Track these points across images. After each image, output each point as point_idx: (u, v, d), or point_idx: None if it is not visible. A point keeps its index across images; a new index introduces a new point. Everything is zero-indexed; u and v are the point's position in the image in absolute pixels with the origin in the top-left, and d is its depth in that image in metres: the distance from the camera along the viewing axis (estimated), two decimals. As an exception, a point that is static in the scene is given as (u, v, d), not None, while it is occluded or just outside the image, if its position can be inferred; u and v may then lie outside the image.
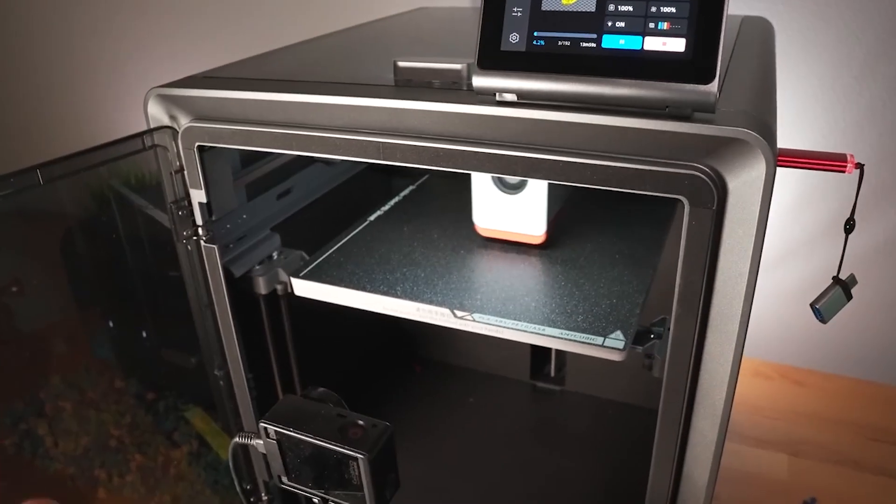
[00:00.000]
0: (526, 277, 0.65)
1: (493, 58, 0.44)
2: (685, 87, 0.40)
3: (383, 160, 0.50)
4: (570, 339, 0.56)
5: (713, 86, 0.40)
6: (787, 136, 0.68)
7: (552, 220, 0.69)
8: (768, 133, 0.41)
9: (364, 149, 0.50)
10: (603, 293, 0.61)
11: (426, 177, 0.87)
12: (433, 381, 1.07)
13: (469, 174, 0.85)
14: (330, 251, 0.70)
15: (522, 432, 0.97)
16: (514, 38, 0.44)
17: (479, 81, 0.45)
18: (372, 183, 0.91)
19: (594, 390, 1.01)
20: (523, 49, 0.44)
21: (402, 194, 0.83)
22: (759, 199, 0.41)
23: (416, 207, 0.79)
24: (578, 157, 0.44)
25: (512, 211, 0.67)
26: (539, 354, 1.04)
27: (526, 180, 0.65)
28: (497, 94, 0.46)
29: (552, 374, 1.05)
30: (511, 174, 0.46)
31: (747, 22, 0.75)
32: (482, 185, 0.68)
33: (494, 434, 0.96)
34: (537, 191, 0.65)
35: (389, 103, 0.49)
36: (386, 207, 0.79)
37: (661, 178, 0.42)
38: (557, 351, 1.03)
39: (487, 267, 0.67)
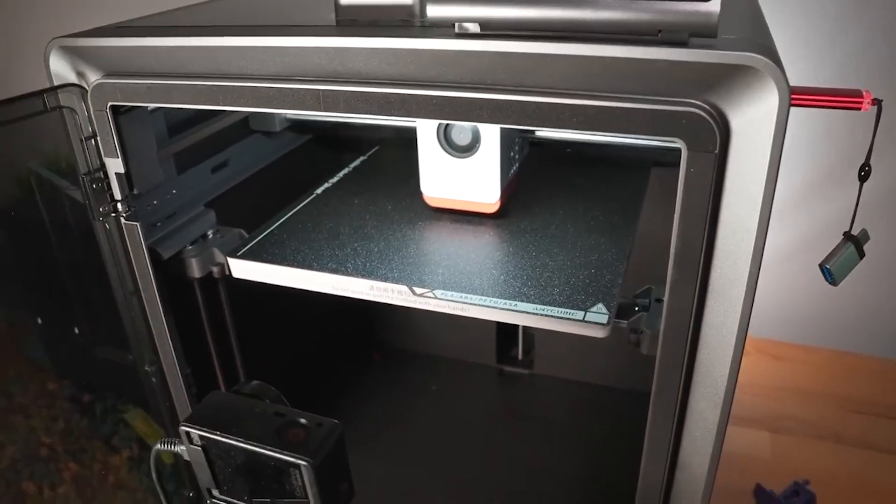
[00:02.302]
0: (492, 249, 0.58)
1: (450, -20, 0.37)
2: (681, 7, 0.34)
3: (324, 111, 0.42)
4: (546, 315, 0.49)
5: (715, 3, 0.33)
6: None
7: (507, 186, 0.62)
8: (778, 60, 0.35)
9: (301, 99, 0.43)
10: (579, 263, 0.55)
11: (377, 148, 0.80)
12: (393, 370, 1.00)
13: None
14: (272, 227, 0.62)
15: (492, 421, 0.90)
16: (474, -47, 0.37)
17: (435, 10, 0.38)
18: (319, 156, 0.83)
19: (565, 373, 0.95)
20: (486, -33, 0.37)
21: (353, 165, 0.75)
22: (771, 140, 0.35)
23: (367, 180, 0.72)
24: (554, 96, 0.37)
25: (462, 176, 0.61)
26: (505, 336, 0.97)
27: (478, 140, 0.58)
28: (456, 24, 0.38)
29: (520, 357, 0.98)
30: (474, 120, 0.39)
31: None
32: (428, 148, 0.61)
33: (462, 424, 0.89)
34: (490, 151, 0.58)
35: (329, 41, 0.41)
36: (334, 180, 0.72)
37: (654, 117, 0.36)
38: (525, 332, 0.97)
39: (449, 240, 0.60)
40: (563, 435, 0.87)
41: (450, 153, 0.60)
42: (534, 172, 0.69)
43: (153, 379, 0.64)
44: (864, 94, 0.38)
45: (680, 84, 0.35)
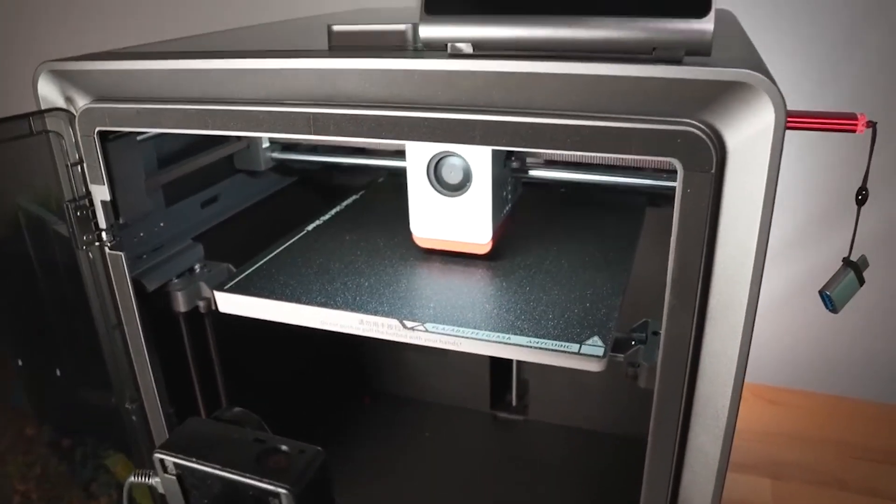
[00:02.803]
0: (484, 284, 0.57)
1: (443, 1, 0.37)
2: (675, 25, 0.34)
3: (314, 134, 0.41)
4: (540, 348, 0.48)
5: (709, 20, 0.33)
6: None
7: (500, 227, 0.60)
8: (772, 77, 0.34)
9: (292, 122, 0.42)
10: (574, 297, 0.54)
11: (366, 189, 0.79)
12: (384, 415, 0.97)
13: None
14: (261, 262, 0.61)
15: (486, 468, 0.88)
16: (467, -27, 0.37)
17: (427, 31, 0.38)
18: (308, 195, 0.83)
19: (560, 419, 0.93)
20: (479, -13, 0.36)
21: (344, 204, 0.74)
22: (768, 157, 0.34)
23: (358, 217, 0.71)
24: (549, 116, 0.37)
25: (452, 216, 0.59)
26: (499, 382, 0.95)
27: (469, 178, 0.57)
28: (449, 45, 0.38)
29: (514, 402, 0.96)
30: (468, 143, 0.39)
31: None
32: (418, 186, 0.59)
33: (456, 471, 0.87)
34: (481, 190, 0.57)
35: (320, 63, 0.41)
36: (326, 217, 0.71)
37: (649, 136, 0.35)
38: (519, 377, 0.96)
39: (440, 275, 0.59)
40: (557, 481, 0.84)
41: (440, 192, 0.58)
42: (527, 212, 0.68)
43: (133, 417, 0.62)
44: (859, 116, 0.38)
45: (675, 103, 0.35)
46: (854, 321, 0.96)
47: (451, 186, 0.58)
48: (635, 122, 0.35)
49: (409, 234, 0.63)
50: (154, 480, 0.42)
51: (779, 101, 0.33)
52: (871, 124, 0.38)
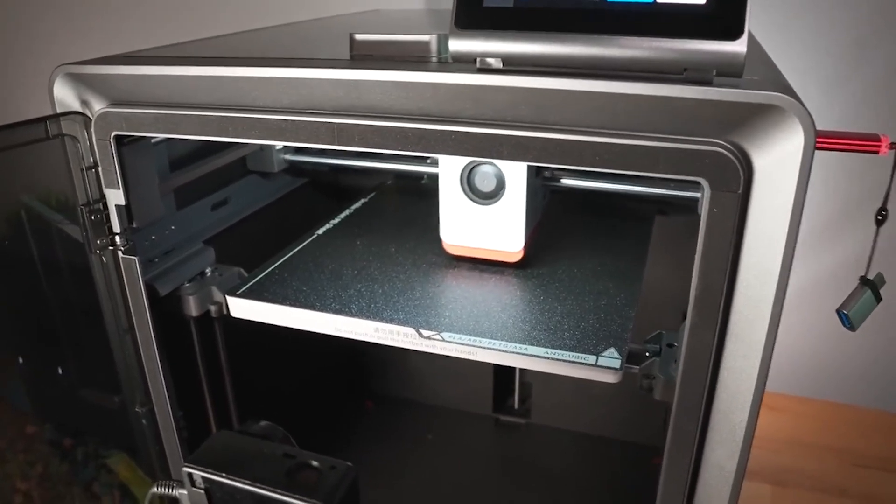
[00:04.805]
0: (499, 292, 0.57)
1: (473, 15, 0.37)
2: (707, 45, 0.34)
3: (338, 145, 0.41)
4: (556, 360, 0.48)
5: (741, 43, 0.33)
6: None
7: (531, 235, 0.61)
8: (801, 101, 0.34)
9: (315, 132, 0.42)
10: (588, 308, 0.54)
11: (379, 190, 0.79)
12: (387, 418, 0.97)
13: (428, 185, 0.78)
14: (272, 267, 0.61)
15: (489, 472, 0.88)
16: (498, -10, 0.37)
17: (457, 45, 0.38)
18: (318, 198, 0.83)
19: (562, 423, 0.93)
20: (510, 4, 0.36)
21: (354, 207, 0.74)
22: (796, 181, 0.34)
23: (369, 221, 0.71)
24: (577, 133, 0.37)
25: (485, 224, 0.59)
26: (501, 385, 0.96)
27: (502, 187, 0.57)
28: (478, 59, 0.38)
29: (516, 406, 0.97)
30: (495, 157, 0.39)
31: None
32: (450, 193, 0.59)
33: (458, 475, 0.87)
34: (515, 199, 0.57)
35: (346, 74, 0.41)
36: (336, 221, 0.71)
37: (678, 156, 0.35)
38: (521, 381, 0.96)
39: (454, 282, 0.59)
40: (559, 486, 0.85)
41: (473, 200, 0.58)
42: (552, 216, 0.68)
43: (143, 421, 0.61)
44: (882, 138, 0.38)
45: (704, 123, 0.35)
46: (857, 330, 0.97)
47: (483, 195, 0.58)
48: (664, 141, 0.35)
49: (421, 239, 0.63)
50: (179, 492, 0.42)
51: (808, 124, 0.33)
52: (894, 146, 0.38)
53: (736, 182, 0.35)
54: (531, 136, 0.37)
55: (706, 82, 0.35)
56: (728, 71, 0.34)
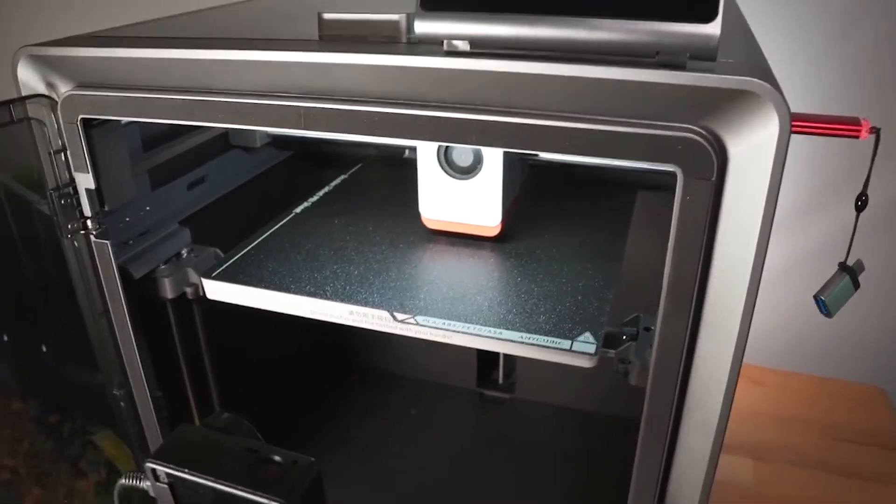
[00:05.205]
0: (475, 273, 0.56)
1: (439, -4, 0.36)
2: (680, 28, 0.33)
3: (304, 129, 0.40)
4: (531, 344, 0.47)
5: (715, 25, 0.32)
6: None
7: (508, 209, 0.60)
8: (778, 85, 0.33)
9: (281, 116, 0.41)
10: (566, 289, 0.53)
11: (359, 166, 0.78)
12: (371, 392, 0.97)
13: (409, 160, 0.77)
14: (249, 247, 0.60)
15: (472, 446, 0.88)
16: (465, -31, 0.35)
17: (423, 26, 0.37)
18: (300, 172, 0.81)
19: (547, 397, 0.93)
20: (478, -16, 0.35)
21: (333, 184, 0.73)
22: (770, 168, 0.34)
23: (348, 198, 0.70)
24: (546, 118, 0.36)
25: (462, 199, 0.59)
26: (486, 360, 0.95)
27: (480, 161, 0.56)
28: (445, 41, 0.37)
29: (500, 380, 0.96)
30: (462, 143, 0.38)
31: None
32: (428, 169, 0.59)
33: (442, 449, 0.87)
34: (492, 174, 0.57)
35: (311, 56, 0.39)
36: (314, 199, 0.70)
37: (650, 142, 0.34)
38: (506, 356, 0.96)
39: (431, 263, 0.58)
40: (543, 460, 0.85)
41: (450, 174, 0.58)
42: (529, 193, 0.68)
43: (121, 403, 0.61)
44: (863, 122, 0.37)
45: (677, 108, 0.34)
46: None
47: (461, 169, 0.58)
48: (635, 126, 0.35)
49: (399, 217, 0.63)
50: (145, 484, 0.42)
51: (784, 111, 0.32)
52: (875, 130, 0.37)
53: (709, 169, 0.34)
54: (500, 122, 0.36)
55: (679, 66, 0.34)
56: (701, 55, 0.33)
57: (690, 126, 0.34)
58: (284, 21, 0.58)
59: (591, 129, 0.35)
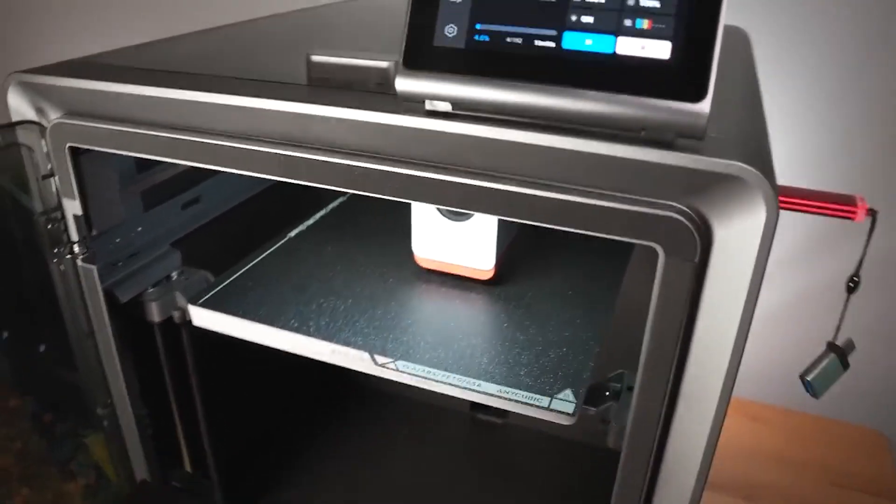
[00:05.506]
0: (462, 317, 0.55)
1: (422, 55, 0.35)
2: (668, 106, 0.31)
3: (284, 177, 0.40)
4: (509, 399, 0.47)
5: (704, 105, 0.31)
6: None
7: (503, 252, 0.59)
8: (769, 170, 0.32)
9: (261, 162, 0.40)
10: (551, 340, 0.52)
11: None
12: (363, 412, 0.96)
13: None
14: (238, 273, 0.60)
15: (464, 469, 0.87)
16: (450, 30, 0.34)
17: (404, 84, 0.36)
18: (296, 194, 0.80)
19: (539, 424, 0.92)
20: (462, 45, 0.34)
21: (330, 207, 0.72)
22: (755, 254, 0.32)
23: (342, 225, 0.69)
24: (526, 186, 0.35)
25: (456, 240, 0.58)
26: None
27: None
28: (426, 101, 0.36)
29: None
30: (441, 203, 0.37)
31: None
32: (422, 209, 0.58)
33: (433, 471, 0.86)
34: (487, 218, 0.56)
35: (295, 107, 0.39)
36: (309, 222, 0.69)
37: (631, 219, 0.33)
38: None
39: (419, 303, 0.57)
40: (533, 487, 0.84)
41: (445, 216, 0.57)
42: (526, 236, 0.66)
43: (105, 422, 0.61)
44: (859, 202, 0.36)
45: (661, 186, 0.33)
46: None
47: (455, 213, 0.57)
48: (618, 201, 0.33)
49: (389, 249, 0.62)
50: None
51: (772, 199, 0.31)
52: (871, 212, 0.36)
53: (692, 251, 0.33)
54: (478, 186, 0.35)
55: (665, 144, 0.32)
56: (689, 133, 0.32)
57: (674, 204, 0.33)
58: (278, 51, 0.57)
59: (572, 202, 0.34)
